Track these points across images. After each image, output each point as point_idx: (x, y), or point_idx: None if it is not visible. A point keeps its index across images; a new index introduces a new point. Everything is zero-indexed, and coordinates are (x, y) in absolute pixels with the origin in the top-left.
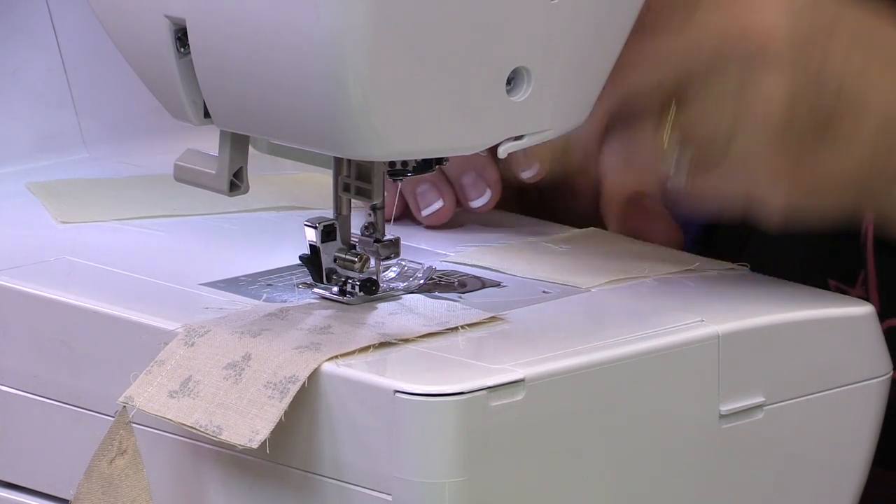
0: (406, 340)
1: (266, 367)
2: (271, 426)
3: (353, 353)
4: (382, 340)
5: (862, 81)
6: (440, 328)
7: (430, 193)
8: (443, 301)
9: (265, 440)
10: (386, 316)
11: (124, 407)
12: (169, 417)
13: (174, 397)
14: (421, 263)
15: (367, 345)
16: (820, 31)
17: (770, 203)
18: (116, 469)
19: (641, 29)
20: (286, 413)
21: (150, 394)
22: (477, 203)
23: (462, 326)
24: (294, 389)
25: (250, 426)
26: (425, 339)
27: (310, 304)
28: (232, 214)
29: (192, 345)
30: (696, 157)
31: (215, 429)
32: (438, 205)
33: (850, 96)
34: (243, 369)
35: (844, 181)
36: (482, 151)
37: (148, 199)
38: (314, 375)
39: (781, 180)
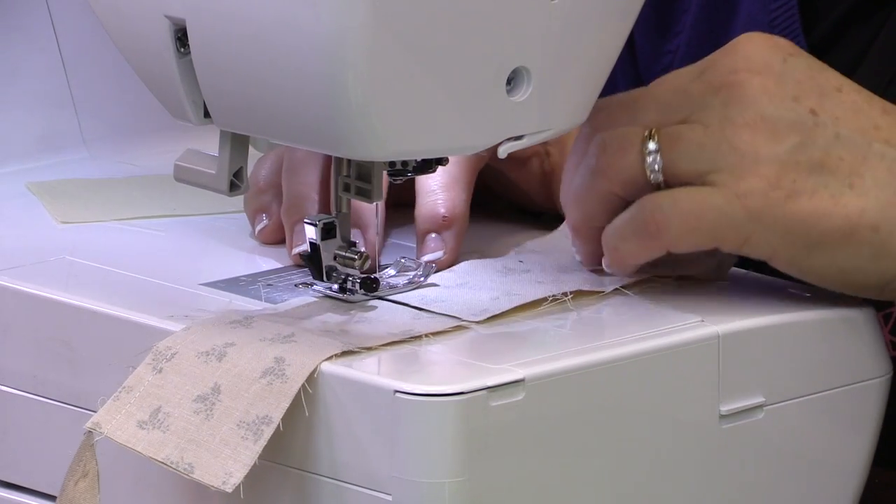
0: (369, 349)
1: (238, 405)
2: (245, 469)
3: (315, 371)
4: (345, 349)
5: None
6: (403, 336)
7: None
8: (409, 308)
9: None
10: (352, 324)
11: (90, 431)
12: (139, 450)
13: (144, 428)
14: (420, 261)
15: (328, 356)
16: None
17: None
18: (78, 491)
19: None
20: (284, 413)
21: (118, 422)
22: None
23: (426, 335)
24: (269, 432)
25: (223, 467)
26: (389, 348)
27: (275, 309)
28: (232, 214)
29: (160, 371)
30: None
31: (187, 466)
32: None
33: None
34: (214, 404)
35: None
36: (482, 151)
37: (148, 199)
38: (314, 375)
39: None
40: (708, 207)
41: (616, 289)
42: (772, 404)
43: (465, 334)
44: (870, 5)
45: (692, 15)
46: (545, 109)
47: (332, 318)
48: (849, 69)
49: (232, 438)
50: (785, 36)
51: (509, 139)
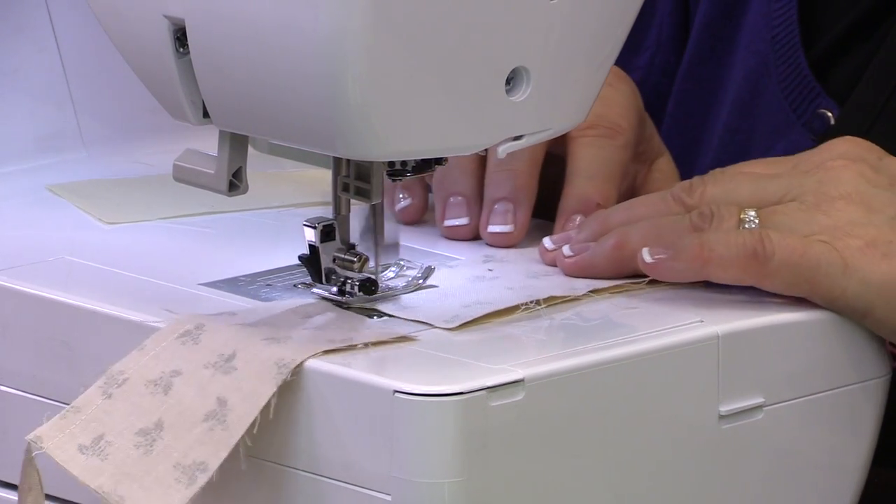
0: (302, 363)
1: (178, 445)
2: None
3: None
4: (281, 372)
5: None
6: (342, 345)
7: (458, 208)
8: (356, 316)
9: None
10: (293, 329)
11: (30, 444)
12: (74, 474)
13: (84, 453)
14: (420, 263)
15: (269, 395)
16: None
17: None
18: None
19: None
20: (284, 412)
21: (60, 440)
22: (496, 229)
23: (365, 344)
24: (203, 479)
25: None
26: (328, 356)
27: (225, 321)
28: (232, 214)
29: (110, 396)
30: None
31: (118, 498)
32: (462, 221)
33: None
34: (155, 440)
35: None
36: (481, 152)
37: (189, 197)
38: (313, 375)
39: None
40: (811, 249)
41: (587, 293)
42: (771, 404)
43: (464, 334)
44: (869, 22)
45: (694, 32)
46: (545, 109)
47: (277, 326)
48: (849, 85)
49: (166, 478)
50: (785, 52)
51: (509, 139)
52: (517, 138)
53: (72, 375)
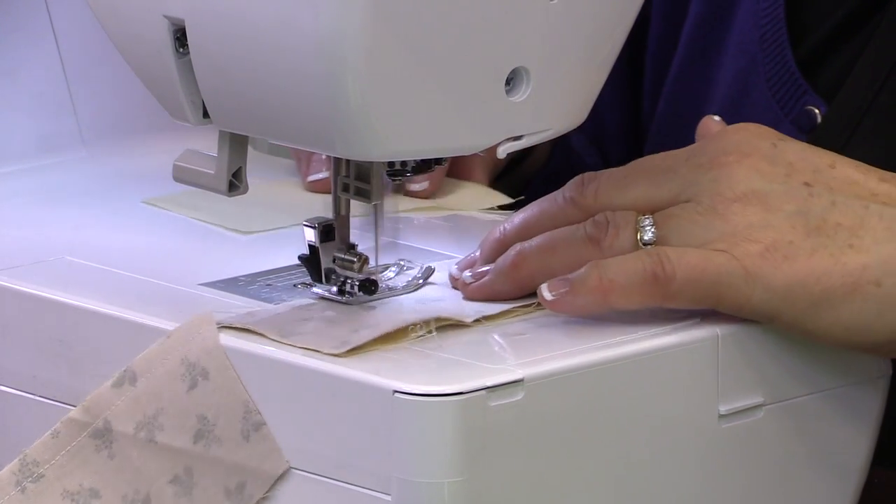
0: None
1: None
2: None
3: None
4: None
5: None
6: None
7: (320, 163)
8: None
9: None
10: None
11: None
12: None
13: None
14: (420, 263)
15: None
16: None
17: None
18: None
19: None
20: (283, 412)
21: None
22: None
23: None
24: None
25: None
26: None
27: (130, 416)
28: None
29: (24, 490)
30: None
31: None
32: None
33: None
34: None
35: None
36: (481, 152)
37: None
38: (313, 375)
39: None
40: (711, 262)
41: (477, 319)
42: (771, 404)
43: (463, 335)
44: (856, 20)
45: (686, 33)
46: (544, 110)
47: (184, 423)
48: (836, 83)
49: None
50: (772, 50)
51: (508, 139)
52: (517, 138)
53: (72, 375)
